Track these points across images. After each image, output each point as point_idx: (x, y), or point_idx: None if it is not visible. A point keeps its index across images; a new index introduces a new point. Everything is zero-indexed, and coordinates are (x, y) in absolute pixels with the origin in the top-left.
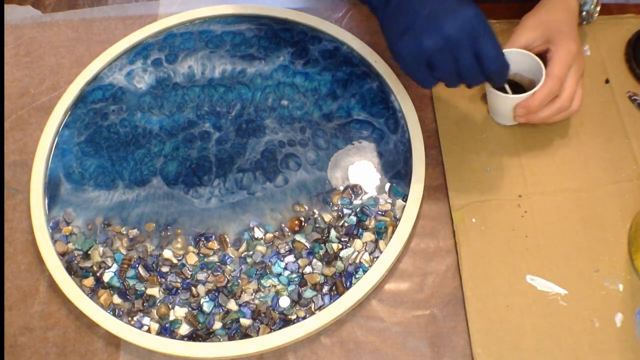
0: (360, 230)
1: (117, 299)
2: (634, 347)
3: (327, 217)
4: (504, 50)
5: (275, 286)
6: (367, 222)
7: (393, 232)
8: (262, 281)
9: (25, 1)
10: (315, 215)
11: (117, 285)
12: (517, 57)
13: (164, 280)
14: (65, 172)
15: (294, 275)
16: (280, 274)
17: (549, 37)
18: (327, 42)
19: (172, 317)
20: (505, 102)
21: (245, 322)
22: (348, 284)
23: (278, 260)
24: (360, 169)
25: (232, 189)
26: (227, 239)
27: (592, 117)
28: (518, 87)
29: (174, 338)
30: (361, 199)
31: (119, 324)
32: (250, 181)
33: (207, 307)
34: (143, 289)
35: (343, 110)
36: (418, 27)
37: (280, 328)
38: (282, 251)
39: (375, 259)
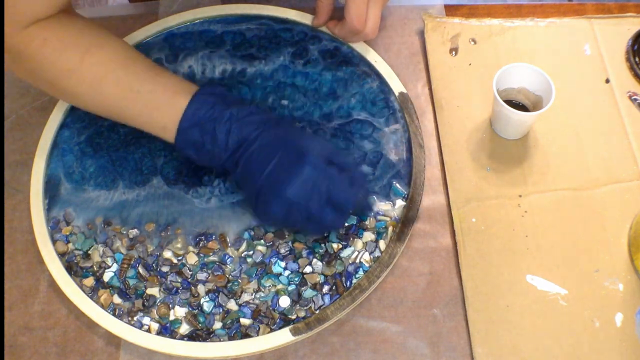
0: (360, 230)
1: (117, 299)
2: (634, 347)
3: None
4: (513, 65)
5: (275, 286)
6: (367, 222)
7: (393, 232)
8: (262, 281)
9: None
10: None
11: (117, 285)
12: (526, 72)
13: (164, 280)
14: (65, 172)
15: (294, 275)
16: (280, 274)
17: None
18: (327, 42)
19: (172, 317)
20: (523, 120)
21: (245, 322)
22: (348, 283)
23: (278, 260)
24: (360, 169)
25: (232, 189)
26: (227, 239)
27: (592, 117)
28: (515, 103)
29: (174, 338)
30: None
31: (119, 323)
32: None
33: (207, 307)
34: (143, 288)
35: (343, 110)
36: (264, 192)
37: (280, 328)
38: (282, 251)
39: (375, 259)
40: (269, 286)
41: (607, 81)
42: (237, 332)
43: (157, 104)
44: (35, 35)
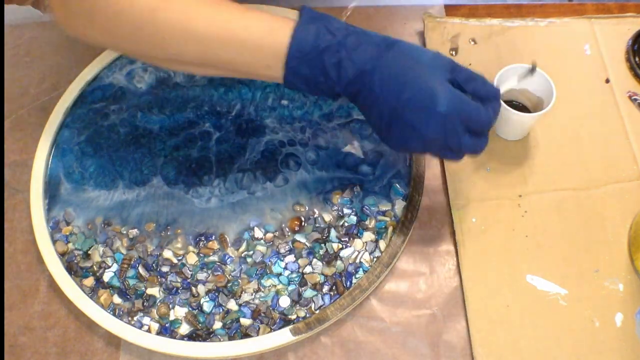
0: (360, 230)
1: (117, 299)
2: (634, 347)
3: (327, 217)
4: (515, 65)
5: (275, 286)
6: (367, 222)
7: (393, 232)
8: (262, 281)
9: (25, 1)
10: (315, 215)
11: (117, 285)
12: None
13: (164, 280)
14: (65, 172)
15: (294, 275)
16: (280, 274)
17: None
18: None
19: (172, 317)
20: (523, 121)
21: (245, 322)
22: (348, 283)
23: (278, 260)
24: (361, 169)
25: (232, 189)
26: (227, 239)
27: (592, 117)
28: (516, 104)
29: (174, 338)
30: (361, 199)
31: (119, 323)
32: (251, 181)
33: (207, 307)
34: (143, 288)
35: (343, 109)
36: (396, 130)
37: (280, 328)
38: (282, 251)
39: (375, 259)
40: (269, 286)
41: (607, 81)
42: (237, 332)
43: (255, 42)
44: None
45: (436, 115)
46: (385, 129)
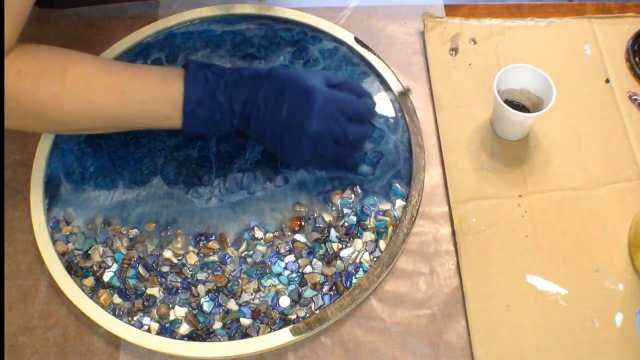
0: (360, 230)
1: (117, 299)
2: (634, 347)
3: (327, 217)
4: (514, 66)
5: (275, 286)
6: (367, 222)
7: (393, 231)
8: (262, 281)
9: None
10: (315, 215)
11: (117, 285)
12: (527, 73)
13: (164, 280)
14: (65, 172)
15: (294, 275)
16: (280, 274)
17: None
18: (327, 41)
19: (172, 317)
20: (523, 121)
21: (245, 321)
22: (348, 283)
23: (278, 260)
24: (361, 169)
25: (232, 189)
26: (227, 239)
27: (592, 117)
28: (516, 104)
29: (174, 338)
30: (361, 199)
31: (119, 323)
32: (251, 181)
33: (207, 306)
34: (143, 288)
35: None
36: (287, 135)
37: (280, 328)
38: (282, 251)
39: (375, 259)
40: (269, 286)
41: (607, 81)
42: (237, 332)
43: (153, 97)
44: (7, 70)
45: (316, 109)
46: (280, 145)
